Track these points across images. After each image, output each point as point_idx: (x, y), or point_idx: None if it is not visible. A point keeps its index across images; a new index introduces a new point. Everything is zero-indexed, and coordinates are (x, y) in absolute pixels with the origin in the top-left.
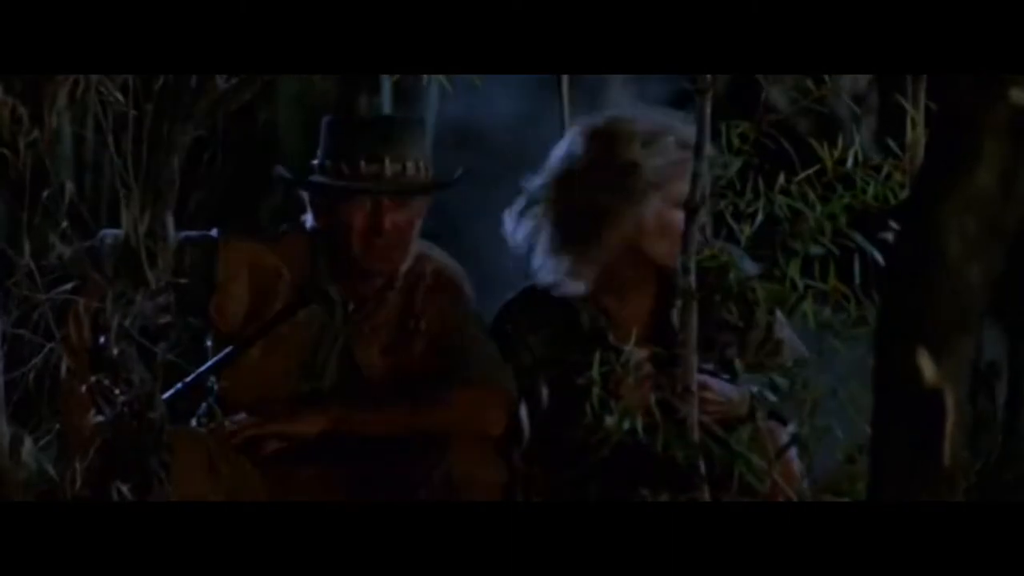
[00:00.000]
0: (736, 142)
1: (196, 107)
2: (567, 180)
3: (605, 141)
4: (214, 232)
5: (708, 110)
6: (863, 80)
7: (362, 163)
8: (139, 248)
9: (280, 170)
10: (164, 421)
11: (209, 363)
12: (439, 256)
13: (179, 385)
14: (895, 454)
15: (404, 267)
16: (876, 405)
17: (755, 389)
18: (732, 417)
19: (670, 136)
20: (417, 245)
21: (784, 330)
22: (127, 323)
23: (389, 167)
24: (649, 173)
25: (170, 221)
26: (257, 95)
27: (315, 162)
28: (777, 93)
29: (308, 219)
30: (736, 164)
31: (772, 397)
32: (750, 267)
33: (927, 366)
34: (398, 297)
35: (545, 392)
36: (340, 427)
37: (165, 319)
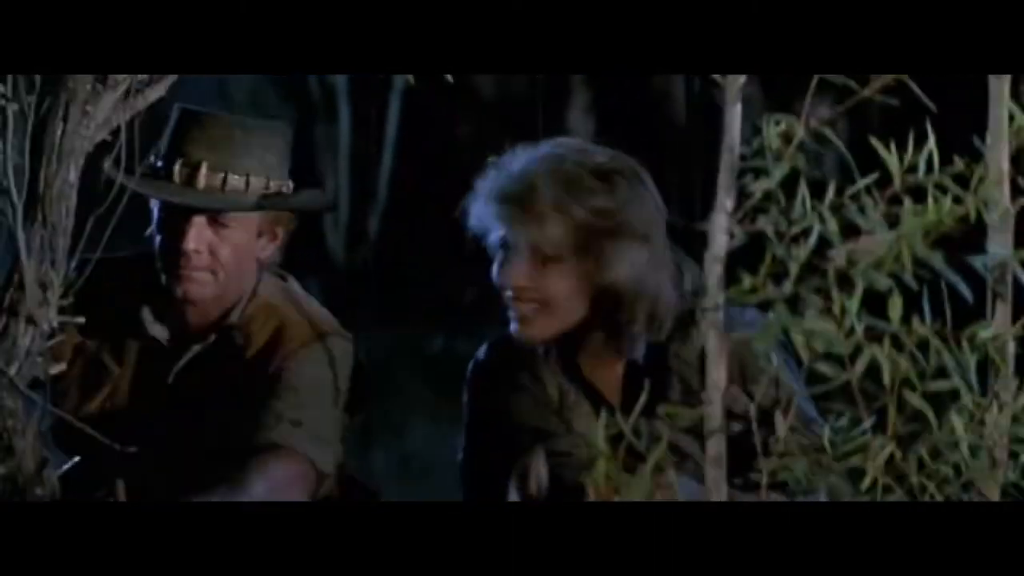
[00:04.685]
0: (777, 143)
1: (97, 105)
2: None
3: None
4: None
5: (738, 105)
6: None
7: (176, 166)
8: (23, 278)
9: (108, 167)
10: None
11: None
12: (296, 310)
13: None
14: None
15: (236, 304)
16: None
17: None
18: None
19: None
20: (270, 288)
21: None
22: (12, 372)
23: (205, 177)
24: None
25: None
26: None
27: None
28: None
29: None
30: (780, 171)
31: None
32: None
33: None
34: (241, 340)
35: (543, 471)
36: None
37: (59, 368)
